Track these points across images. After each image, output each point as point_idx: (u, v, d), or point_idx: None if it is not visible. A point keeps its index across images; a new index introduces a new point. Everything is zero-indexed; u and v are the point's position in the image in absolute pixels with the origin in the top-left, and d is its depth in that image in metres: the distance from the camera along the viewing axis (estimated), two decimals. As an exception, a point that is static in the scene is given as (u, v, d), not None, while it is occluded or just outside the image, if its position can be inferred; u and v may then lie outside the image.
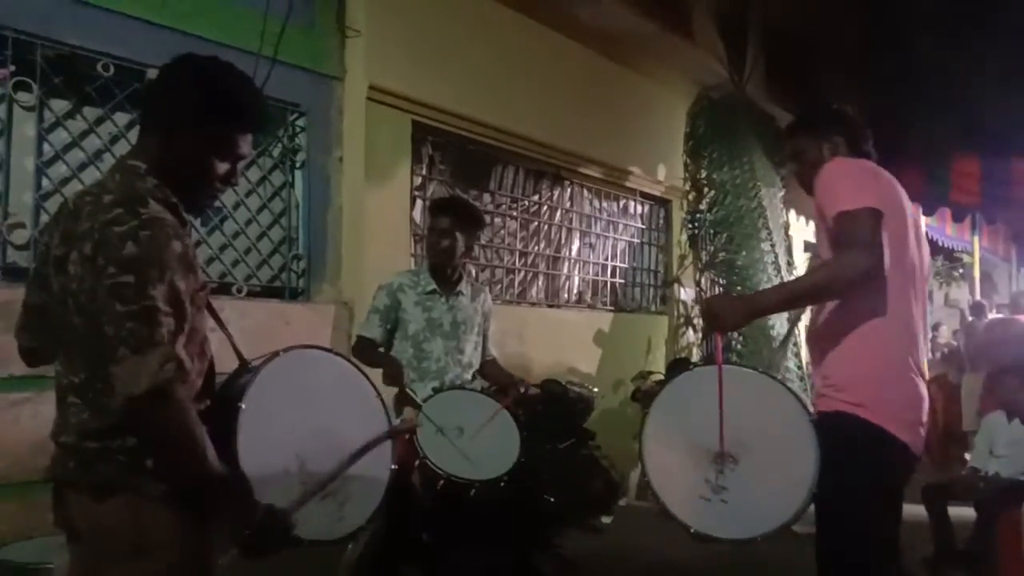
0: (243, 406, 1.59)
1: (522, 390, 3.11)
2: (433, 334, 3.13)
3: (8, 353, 2.79)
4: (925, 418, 2.10)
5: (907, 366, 2.07)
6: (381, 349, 3.14)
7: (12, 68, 3.01)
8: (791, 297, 2.18)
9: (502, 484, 2.67)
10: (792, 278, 2.19)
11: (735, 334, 6.90)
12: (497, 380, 3.27)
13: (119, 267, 1.39)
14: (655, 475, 2.14)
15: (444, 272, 3.17)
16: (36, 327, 1.63)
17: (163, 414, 1.39)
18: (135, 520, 1.45)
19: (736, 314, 2.03)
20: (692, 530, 2.06)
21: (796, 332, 6.17)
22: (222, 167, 1.62)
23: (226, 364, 1.72)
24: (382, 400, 2.02)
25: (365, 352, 3.04)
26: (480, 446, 2.72)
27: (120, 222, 1.41)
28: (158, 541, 1.46)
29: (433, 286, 3.15)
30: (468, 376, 3.22)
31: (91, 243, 1.42)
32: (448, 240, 3.11)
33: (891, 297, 2.04)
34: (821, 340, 2.15)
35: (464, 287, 3.23)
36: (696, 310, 7.11)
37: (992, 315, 8.65)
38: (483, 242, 5.28)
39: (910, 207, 2.18)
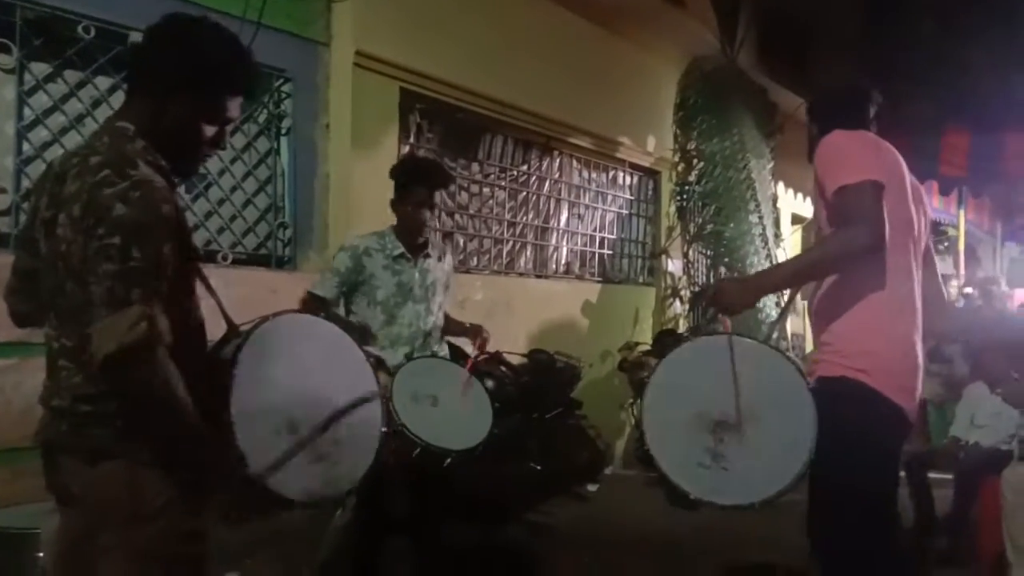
0: (235, 371, 1.59)
1: (484, 336, 3.10)
2: (404, 299, 3.05)
3: (-9, 319, 2.79)
4: (920, 386, 2.17)
5: (908, 335, 2.13)
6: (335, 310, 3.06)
7: (-10, 30, 2.95)
8: (794, 274, 2.21)
9: (478, 454, 2.66)
10: (793, 254, 2.21)
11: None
12: (456, 331, 3.25)
13: (107, 228, 1.38)
14: (654, 442, 2.17)
15: (415, 237, 3.10)
16: (27, 291, 1.62)
17: (137, 373, 1.39)
18: (128, 484, 1.46)
19: (745, 296, 2.13)
20: (691, 496, 2.10)
21: (793, 306, 6.21)
22: (211, 130, 1.60)
23: (214, 330, 1.71)
24: (371, 365, 2.03)
25: (315, 311, 2.91)
26: (454, 416, 2.71)
27: (109, 183, 1.40)
28: (151, 505, 1.47)
29: (401, 250, 3.06)
30: (438, 337, 3.18)
31: (80, 205, 1.41)
32: (427, 211, 3.04)
33: (892, 267, 2.07)
34: (825, 309, 2.18)
35: (431, 249, 3.16)
36: (683, 281, 7.14)
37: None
38: (471, 212, 5.26)
39: (909, 176, 2.20)
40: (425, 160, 3.37)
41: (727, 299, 2.15)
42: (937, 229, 11.30)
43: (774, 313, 6.43)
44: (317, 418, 1.78)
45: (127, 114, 1.56)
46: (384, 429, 1.99)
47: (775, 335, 2.59)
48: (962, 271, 9.20)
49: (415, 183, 3.04)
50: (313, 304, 2.98)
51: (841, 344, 2.12)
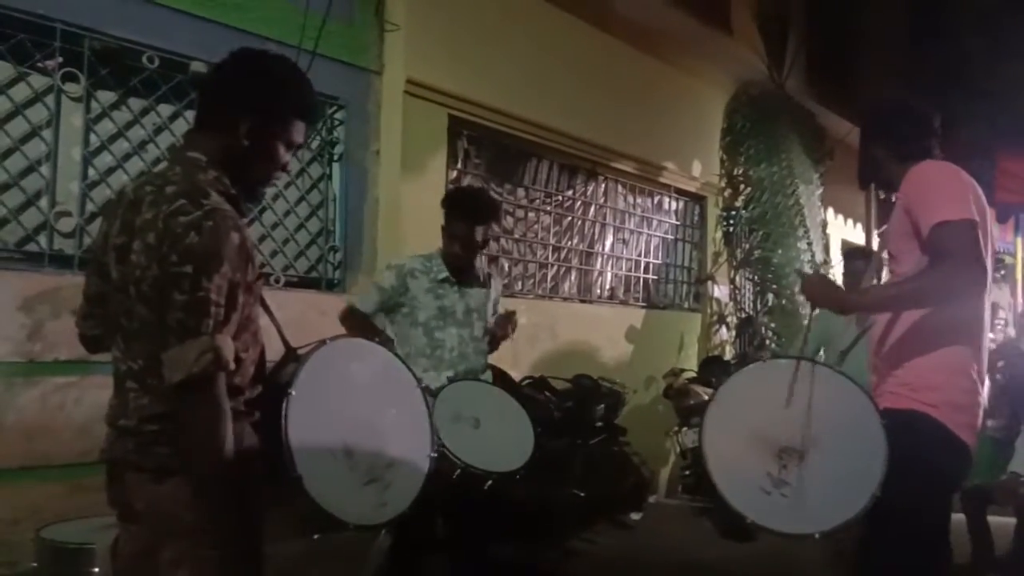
0: (293, 392, 1.62)
1: (515, 319, 3.18)
2: (446, 322, 3.08)
3: (56, 338, 2.89)
4: (980, 424, 2.14)
5: (972, 372, 2.11)
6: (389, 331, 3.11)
7: (60, 59, 3.08)
8: (890, 300, 2.15)
9: (519, 477, 2.66)
10: (887, 281, 2.20)
11: (768, 331, 6.85)
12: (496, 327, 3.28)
13: (180, 256, 1.42)
14: (714, 465, 2.12)
15: (458, 262, 3.12)
16: (97, 316, 1.67)
17: (192, 404, 1.44)
18: (193, 501, 1.49)
19: (831, 300, 2.16)
20: (748, 520, 2.05)
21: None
22: (281, 156, 1.67)
23: (271, 352, 1.74)
24: (422, 391, 2.05)
25: (355, 321, 3.03)
26: (496, 438, 2.71)
27: (184, 212, 1.45)
28: (214, 522, 1.50)
29: (445, 274, 3.09)
30: (483, 362, 3.20)
31: (155, 233, 1.45)
32: (465, 245, 3.05)
33: (966, 305, 2.06)
34: (896, 342, 2.15)
35: (476, 274, 3.19)
36: (729, 307, 7.06)
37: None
38: (516, 236, 5.29)
39: (988, 212, 2.17)
40: (471, 196, 3.35)
41: (814, 293, 2.16)
42: (994, 257, 11.02)
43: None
44: (370, 442, 1.81)
45: (198, 145, 1.62)
46: (433, 454, 2.00)
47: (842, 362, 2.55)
48: (1020, 300, 8.94)
49: (457, 217, 3.07)
50: (351, 316, 3.06)
51: (910, 377, 2.09)
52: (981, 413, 2.13)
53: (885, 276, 2.78)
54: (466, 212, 3.07)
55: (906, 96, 2.45)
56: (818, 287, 2.19)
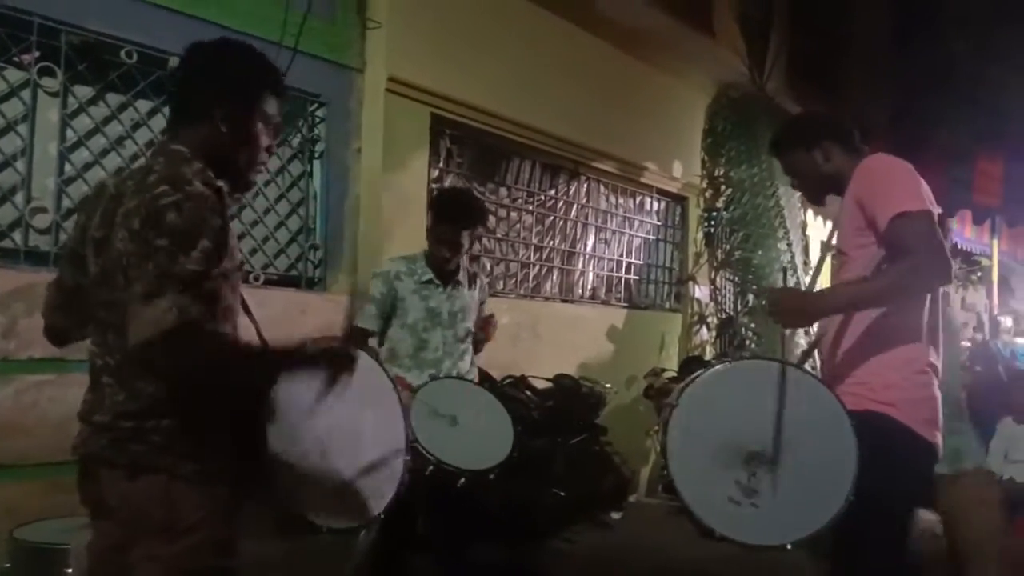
0: (274, 394, 1.63)
1: (493, 321, 3.25)
2: (433, 324, 3.10)
3: (30, 335, 2.85)
4: (941, 419, 2.12)
5: (928, 368, 2.10)
6: (373, 340, 3.13)
7: (37, 54, 3.04)
8: (859, 298, 2.08)
9: (491, 477, 2.66)
10: (853, 280, 2.14)
11: (749, 332, 6.89)
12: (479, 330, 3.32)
13: (157, 232, 1.43)
14: (679, 473, 2.00)
15: (438, 268, 3.14)
16: (68, 307, 1.66)
17: (181, 350, 1.39)
18: (166, 498, 1.49)
19: (808, 316, 2.09)
20: (716, 534, 1.97)
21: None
22: (265, 137, 1.70)
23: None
24: (399, 393, 2.07)
25: (359, 343, 3.03)
26: (472, 437, 2.71)
27: (165, 195, 1.46)
28: (188, 519, 1.50)
29: (430, 275, 3.11)
30: (466, 362, 3.21)
31: (139, 218, 1.46)
32: (452, 248, 3.05)
33: (917, 302, 2.06)
34: (852, 342, 2.13)
35: (461, 275, 3.20)
36: (710, 308, 7.10)
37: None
38: (498, 236, 5.29)
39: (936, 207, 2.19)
40: (458, 198, 3.36)
41: (788, 315, 2.07)
42: (970, 259, 11.13)
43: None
44: (346, 449, 1.82)
45: (180, 138, 1.63)
46: (407, 457, 2.01)
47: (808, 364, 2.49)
48: (995, 302, 9.05)
49: (444, 220, 3.07)
50: (360, 337, 3.06)
51: (866, 377, 2.08)
52: (940, 406, 2.11)
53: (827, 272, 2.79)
54: (453, 215, 3.07)
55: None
56: (785, 305, 2.08)
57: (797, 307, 2.09)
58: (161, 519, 1.49)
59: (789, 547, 1.94)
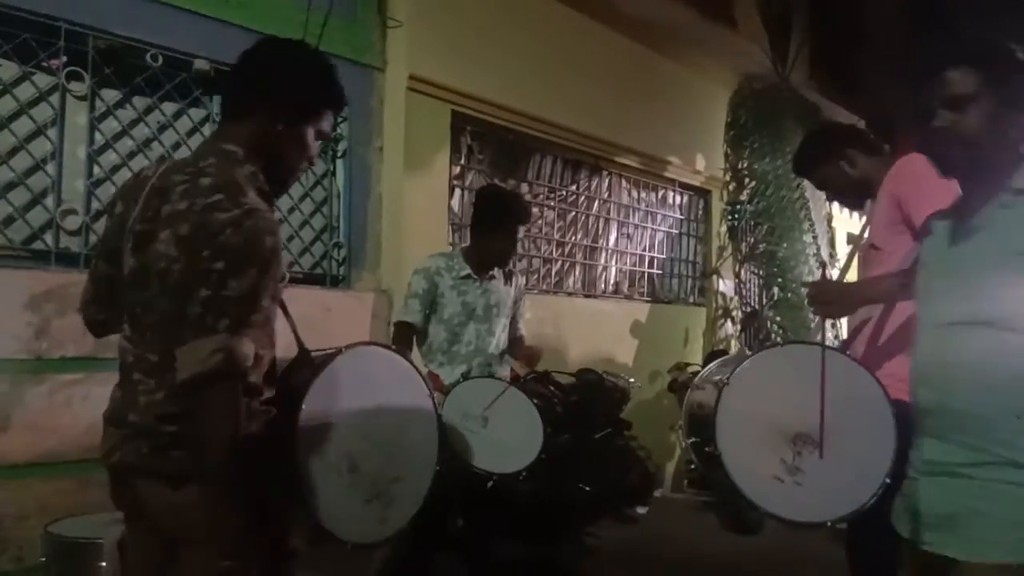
0: (304, 407, 1.61)
1: (535, 353, 3.27)
2: (467, 318, 3.16)
3: (62, 335, 2.91)
4: None
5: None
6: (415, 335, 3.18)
7: (65, 59, 3.09)
8: (897, 291, 2.11)
9: (521, 478, 2.66)
10: (892, 273, 2.17)
11: (774, 325, 6.84)
12: (515, 354, 3.35)
13: (213, 252, 1.38)
14: (727, 452, 2.08)
15: (493, 265, 3.21)
16: (102, 300, 1.63)
17: (200, 403, 1.39)
18: (212, 506, 1.43)
19: (846, 306, 2.17)
20: (760, 510, 2.04)
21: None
22: (315, 146, 1.66)
23: (280, 349, 1.72)
24: (434, 402, 2.05)
25: (405, 338, 3.09)
26: (503, 438, 2.70)
27: (222, 208, 1.41)
28: (233, 528, 1.44)
29: (468, 271, 3.19)
30: (500, 358, 3.25)
31: (189, 224, 1.41)
32: (513, 246, 3.18)
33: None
34: (886, 335, 2.18)
35: (496, 271, 3.26)
36: (734, 302, 7.05)
37: None
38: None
39: None
40: (511, 198, 3.42)
41: (827, 305, 2.13)
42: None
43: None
44: (378, 455, 1.79)
45: (232, 137, 1.57)
46: (437, 468, 1.98)
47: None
48: None
49: (502, 219, 3.14)
50: (401, 331, 3.15)
51: (896, 368, 2.09)
52: None
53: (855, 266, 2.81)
54: (514, 213, 3.17)
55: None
56: (825, 296, 2.13)
57: (836, 297, 2.15)
58: (206, 527, 1.43)
59: (829, 524, 2.01)
